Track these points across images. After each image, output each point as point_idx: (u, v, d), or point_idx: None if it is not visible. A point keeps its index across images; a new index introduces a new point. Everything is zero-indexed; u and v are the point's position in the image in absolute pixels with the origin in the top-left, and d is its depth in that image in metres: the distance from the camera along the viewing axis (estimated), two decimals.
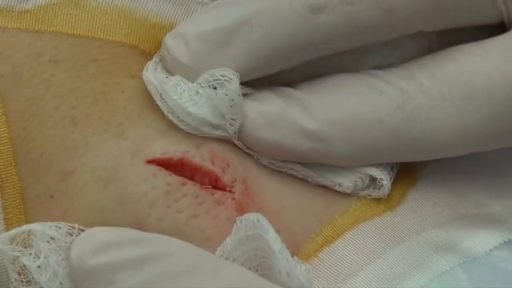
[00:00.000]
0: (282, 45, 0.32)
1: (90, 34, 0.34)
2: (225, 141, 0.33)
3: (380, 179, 0.34)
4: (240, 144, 0.33)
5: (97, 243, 0.28)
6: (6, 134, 0.32)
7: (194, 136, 0.32)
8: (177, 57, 0.32)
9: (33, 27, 0.33)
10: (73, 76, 0.33)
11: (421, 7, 0.32)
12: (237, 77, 0.31)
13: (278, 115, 0.32)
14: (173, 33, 0.33)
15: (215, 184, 0.32)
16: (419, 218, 0.35)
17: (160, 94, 0.32)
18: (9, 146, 0.32)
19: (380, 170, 0.34)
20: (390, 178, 0.34)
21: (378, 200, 0.35)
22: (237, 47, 0.32)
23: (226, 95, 0.31)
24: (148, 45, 0.35)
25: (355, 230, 0.34)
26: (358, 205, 0.35)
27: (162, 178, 0.31)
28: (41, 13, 0.33)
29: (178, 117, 0.32)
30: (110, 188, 0.31)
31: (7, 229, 0.31)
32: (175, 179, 0.31)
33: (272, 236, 0.29)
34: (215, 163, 0.32)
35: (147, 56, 0.34)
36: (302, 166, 0.34)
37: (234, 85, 0.31)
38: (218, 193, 0.31)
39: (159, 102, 0.32)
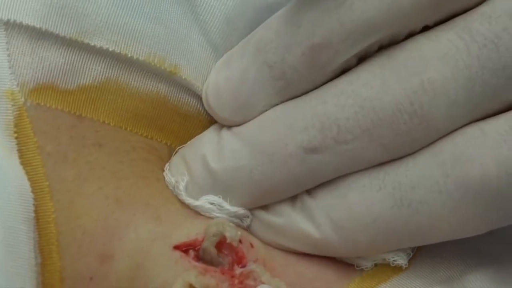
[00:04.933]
0: (281, 186, 0.33)
1: (124, 126, 0.35)
2: None
3: (394, 260, 0.34)
4: None
5: None
6: (51, 213, 0.32)
7: None
8: (177, 186, 0.34)
9: (74, 111, 0.34)
10: (115, 161, 0.34)
11: (412, 137, 0.32)
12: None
13: (277, 222, 0.34)
14: (181, 156, 0.35)
15: (240, 260, 0.33)
16: (427, 277, 0.35)
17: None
18: (53, 224, 0.32)
19: (395, 253, 0.34)
20: (409, 254, 0.35)
21: (384, 267, 0.35)
22: (239, 188, 0.34)
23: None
24: (170, 139, 0.36)
25: None
26: (363, 275, 0.35)
27: (182, 266, 0.32)
28: (83, 97, 0.34)
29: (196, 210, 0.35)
30: (140, 277, 0.32)
31: None
32: (195, 265, 0.32)
33: None
34: (242, 241, 0.33)
35: (170, 149, 0.36)
36: None
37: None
38: (238, 273, 0.33)
39: (180, 197, 0.35)
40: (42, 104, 0.33)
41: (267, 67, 0.33)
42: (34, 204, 0.31)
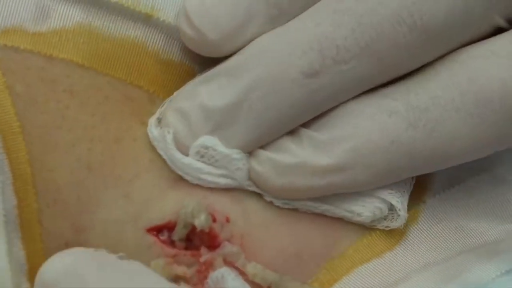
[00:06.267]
0: (284, 115, 0.32)
1: (99, 68, 0.33)
2: (227, 192, 0.33)
3: (399, 209, 0.34)
4: (254, 188, 0.34)
5: None
6: (24, 154, 0.31)
7: (196, 191, 0.33)
8: (178, 134, 0.32)
9: (44, 51, 0.32)
10: (88, 113, 0.32)
11: (411, 51, 0.32)
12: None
13: (291, 162, 0.32)
14: (174, 107, 0.33)
15: (213, 241, 0.33)
16: (420, 255, 0.35)
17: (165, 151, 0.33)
18: (27, 165, 0.31)
19: (398, 198, 0.34)
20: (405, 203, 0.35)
21: (377, 239, 0.35)
22: (240, 124, 0.32)
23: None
24: (153, 86, 0.34)
25: (352, 274, 0.34)
26: (358, 245, 0.35)
27: (155, 252, 0.32)
28: (54, 38, 0.32)
29: (183, 171, 0.33)
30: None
31: (25, 250, 0.31)
32: (167, 252, 0.32)
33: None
34: (216, 218, 0.33)
35: (152, 98, 0.34)
36: (320, 202, 0.34)
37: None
38: (208, 255, 0.33)
39: (164, 157, 0.33)
40: (10, 45, 0.32)
41: None
42: (1, 146, 0.31)
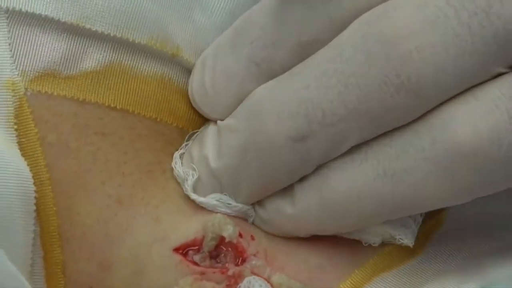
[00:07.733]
0: (278, 176, 0.33)
1: (130, 109, 0.34)
2: None
3: (400, 238, 0.34)
4: None
5: None
6: (52, 205, 0.32)
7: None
8: (187, 181, 0.35)
9: (77, 96, 0.33)
10: (120, 152, 0.34)
11: (400, 111, 0.31)
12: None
13: (270, 218, 0.34)
14: (189, 152, 0.35)
15: (241, 255, 0.34)
16: (441, 262, 0.35)
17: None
18: (55, 217, 0.32)
19: (399, 227, 0.34)
20: (415, 227, 0.34)
21: (399, 249, 0.35)
22: (243, 183, 0.34)
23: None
24: (181, 122, 0.36)
25: (373, 282, 0.34)
26: (378, 255, 0.35)
27: (181, 270, 0.33)
28: (86, 82, 0.33)
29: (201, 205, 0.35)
30: (141, 283, 0.33)
31: None
32: (194, 269, 0.33)
33: None
34: (243, 235, 0.34)
35: (182, 132, 0.36)
36: None
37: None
38: (230, 273, 0.33)
39: (187, 192, 0.35)
40: (44, 91, 0.33)
41: (254, 65, 0.34)
42: (35, 197, 0.31)
